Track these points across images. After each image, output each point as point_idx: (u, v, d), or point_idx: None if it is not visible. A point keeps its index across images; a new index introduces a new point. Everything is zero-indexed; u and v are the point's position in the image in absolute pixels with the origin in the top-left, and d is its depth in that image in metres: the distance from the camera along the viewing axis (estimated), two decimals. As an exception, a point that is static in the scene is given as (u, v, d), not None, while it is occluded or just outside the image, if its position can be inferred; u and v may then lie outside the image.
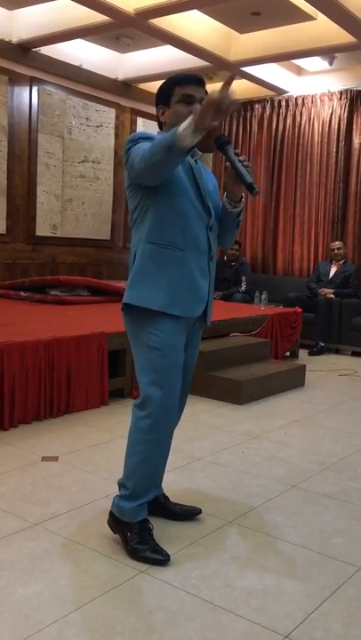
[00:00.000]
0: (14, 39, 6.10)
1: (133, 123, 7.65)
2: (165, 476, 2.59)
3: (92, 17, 5.45)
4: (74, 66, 6.70)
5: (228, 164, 2.02)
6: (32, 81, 6.48)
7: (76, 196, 7.04)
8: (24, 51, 6.24)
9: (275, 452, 3.22)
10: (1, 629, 1.64)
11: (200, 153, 2.19)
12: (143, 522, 2.11)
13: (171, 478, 2.72)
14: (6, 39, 6.07)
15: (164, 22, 5.52)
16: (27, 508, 2.39)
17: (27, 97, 6.46)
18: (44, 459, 2.93)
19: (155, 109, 2.18)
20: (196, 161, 2.16)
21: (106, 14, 5.30)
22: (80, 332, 3.85)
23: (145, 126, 7.68)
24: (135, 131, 7.61)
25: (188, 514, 2.36)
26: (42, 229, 6.70)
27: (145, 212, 2.06)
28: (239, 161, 1.99)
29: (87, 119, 7.09)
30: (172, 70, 6.83)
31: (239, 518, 2.39)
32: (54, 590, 1.84)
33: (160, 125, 2.19)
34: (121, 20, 5.41)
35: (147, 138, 2.02)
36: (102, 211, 7.34)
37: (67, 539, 2.16)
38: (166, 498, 2.37)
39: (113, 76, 7.16)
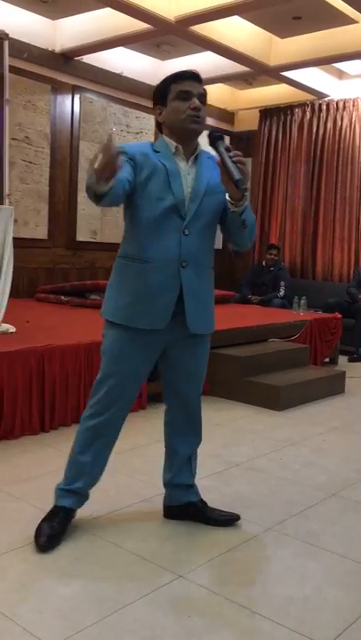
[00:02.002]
0: (57, 48, 6.21)
1: (173, 129, 7.69)
2: (203, 480, 2.59)
3: (133, 25, 5.51)
4: (115, 74, 6.79)
5: (218, 159, 1.95)
6: (74, 89, 6.58)
7: (116, 201, 7.10)
8: (66, 59, 6.35)
9: (314, 459, 3.18)
10: (42, 629, 1.66)
11: (202, 150, 2.12)
12: (61, 508, 2.19)
13: (209, 483, 2.72)
14: (50, 48, 6.19)
15: (204, 29, 5.55)
16: (67, 509, 2.41)
17: (69, 105, 6.57)
18: (84, 461, 2.96)
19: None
20: (196, 158, 2.10)
21: (147, 22, 5.35)
22: (119, 337, 3.88)
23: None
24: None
25: (226, 520, 2.35)
26: (82, 235, 6.79)
27: (125, 223, 2.16)
28: (229, 157, 1.92)
29: (127, 126, 7.17)
30: (213, 76, 6.88)
31: (278, 525, 2.37)
32: (93, 592, 1.86)
33: (159, 127, 2.17)
34: (162, 28, 5.46)
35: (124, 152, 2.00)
36: (141, 216, 7.39)
37: (105, 541, 2.18)
38: (204, 503, 2.37)
39: (153, 83, 7.16)
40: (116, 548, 2.13)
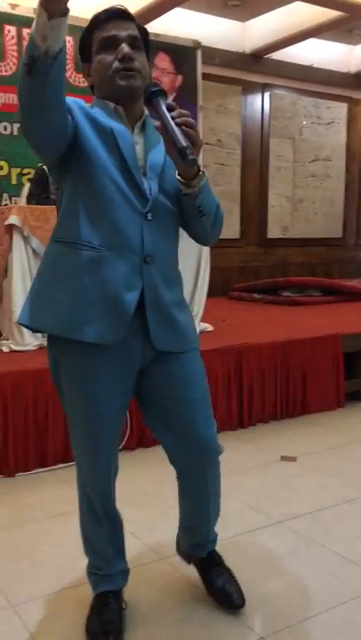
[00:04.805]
0: (247, 49, 6.31)
1: (366, 115, 7.39)
2: None
3: (324, 15, 5.41)
4: (304, 66, 6.71)
5: (157, 123, 1.46)
6: (264, 87, 6.63)
7: (307, 196, 7.04)
8: (256, 59, 6.42)
9: None
10: (252, 621, 1.73)
11: (148, 115, 1.57)
12: (101, 595, 1.71)
13: None
14: (239, 50, 6.31)
15: None
16: (269, 505, 2.47)
17: (259, 104, 6.64)
18: (283, 458, 3.00)
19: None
20: (144, 125, 1.56)
21: (339, 9, 5.20)
22: (314, 334, 3.85)
23: (378, 118, 7.36)
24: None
25: (224, 599, 1.79)
26: (273, 232, 6.83)
27: (60, 199, 1.55)
28: (172, 117, 1.41)
29: (318, 117, 7.03)
30: None
31: None
32: (300, 589, 1.88)
33: (93, 91, 1.58)
34: (355, 13, 5.26)
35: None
36: (333, 209, 7.21)
37: (311, 540, 2.18)
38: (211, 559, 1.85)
39: (345, 70, 7.00)
40: (321, 547, 2.13)
